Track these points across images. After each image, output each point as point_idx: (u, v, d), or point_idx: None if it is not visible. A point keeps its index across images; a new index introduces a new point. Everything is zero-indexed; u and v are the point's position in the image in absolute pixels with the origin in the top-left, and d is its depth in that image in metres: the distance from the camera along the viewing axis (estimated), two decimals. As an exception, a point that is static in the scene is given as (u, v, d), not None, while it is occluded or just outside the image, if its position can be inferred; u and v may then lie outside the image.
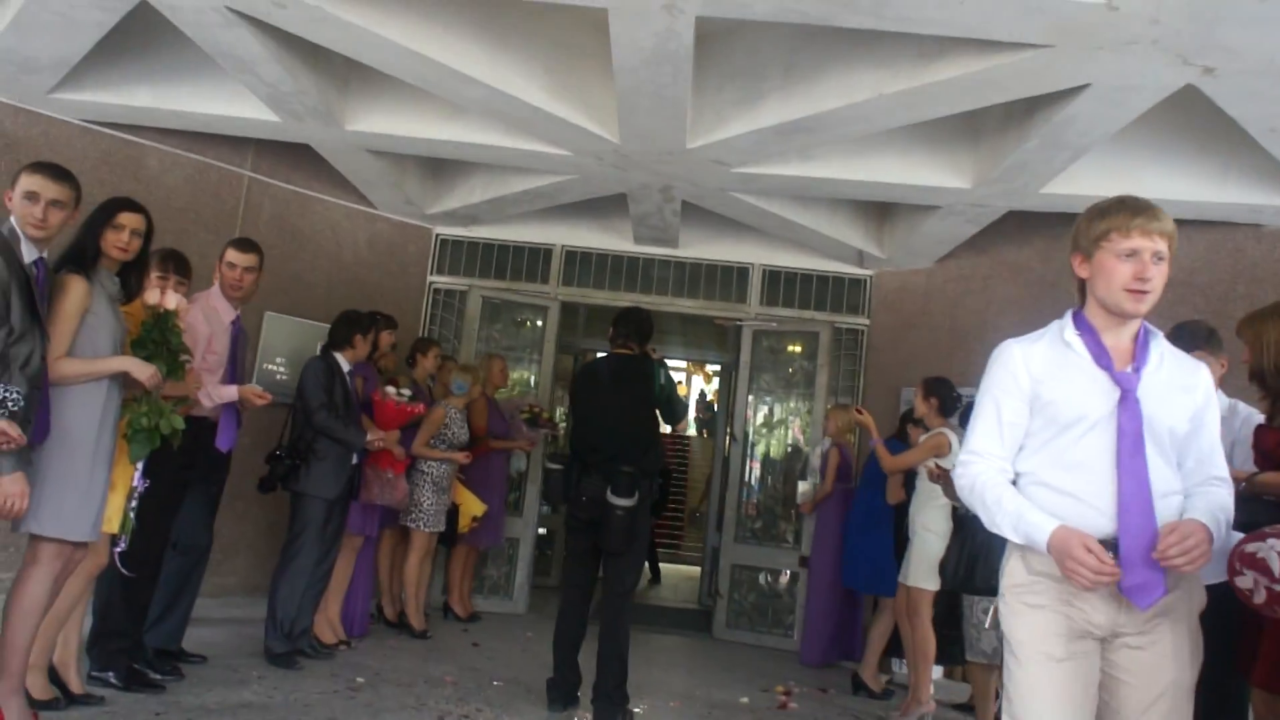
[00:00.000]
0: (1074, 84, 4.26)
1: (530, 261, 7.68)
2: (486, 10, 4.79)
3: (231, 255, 4.43)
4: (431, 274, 7.66)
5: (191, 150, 6.49)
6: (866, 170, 5.63)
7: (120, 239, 3.47)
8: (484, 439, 6.50)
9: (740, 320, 7.55)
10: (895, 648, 5.56)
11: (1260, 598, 2.29)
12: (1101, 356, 2.18)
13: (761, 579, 7.22)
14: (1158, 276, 2.16)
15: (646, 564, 11.15)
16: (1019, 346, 2.30)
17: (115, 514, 3.63)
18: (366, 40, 4.55)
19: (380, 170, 6.48)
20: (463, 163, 6.87)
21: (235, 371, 4.41)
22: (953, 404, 5.08)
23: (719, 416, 10.51)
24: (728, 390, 9.19)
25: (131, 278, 3.61)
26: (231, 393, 4.23)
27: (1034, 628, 2.15)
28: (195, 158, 6.52)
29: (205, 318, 4.28)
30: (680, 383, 19.54)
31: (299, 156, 6.59)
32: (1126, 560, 2.05)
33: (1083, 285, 2.31)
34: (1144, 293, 2.15)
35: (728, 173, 5.71)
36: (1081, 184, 5.46)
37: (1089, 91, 4.26)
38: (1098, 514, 2.11)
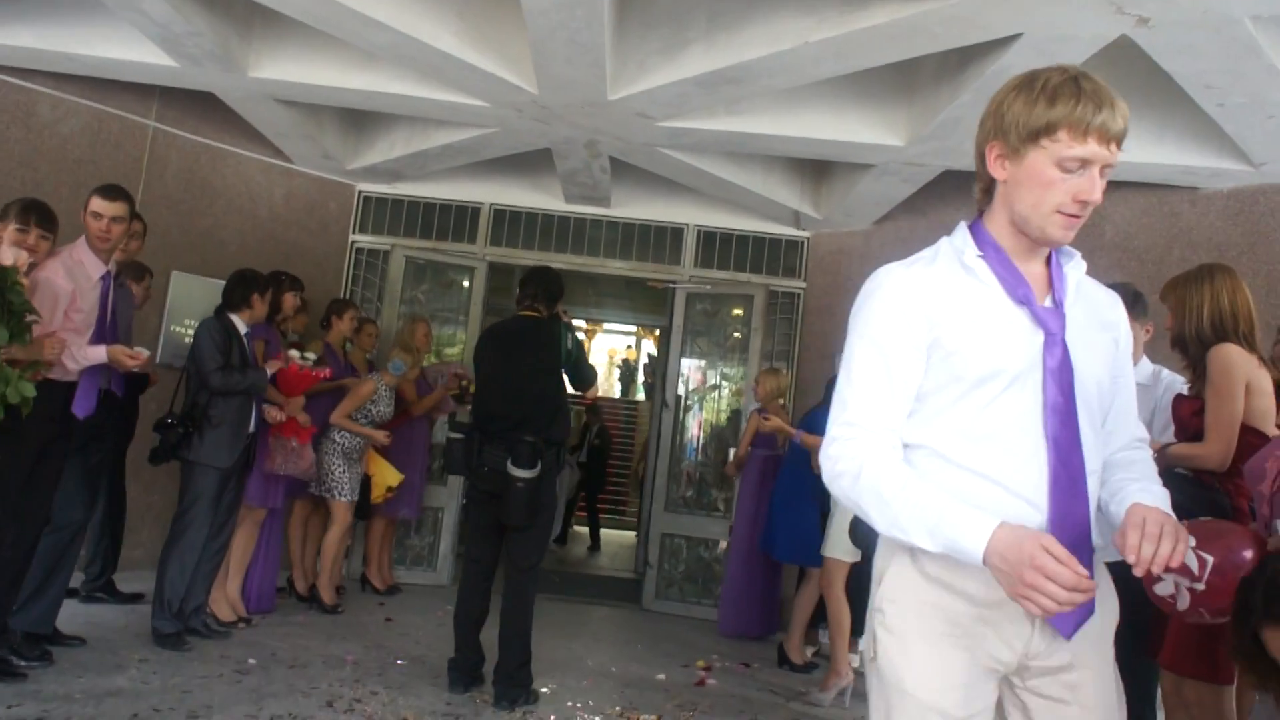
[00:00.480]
0: (1006, 33, 4.05)
1: (457, 220, 7.37)
2: (389, -53, 4.46)
3: (96, 204, 3.97)
4: (354, 232, 7.33)
5: (89, 98, 6.08)
6: (797, 126, 5.39)
7: None
8: (412, 406, 6.24)
9: (674, 282, 7.32)
10: (823, 619, 5.43)
11: (1183, 603, 2.01)
12: (1018, 286, 1.63)
13: (689, 548, 7.05)
14: (1099, 197, 1.60)
15: (588, 531, 11.03)
16: (905, 272, 1.71)
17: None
18: (255, -24, 4.22)
19: (293, 121, 6.12)
20: (383, 115, 6.54)
21: (108, 331, 4.07)
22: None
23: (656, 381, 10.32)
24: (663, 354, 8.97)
25: None
26: (99, 354, 3.87)
27: (926, 673, 1.58)
28: (93, 105, 6.11)
29: (69, 273, 3.88)
30: (631, 349, 19.35)
31: (208, 106, 6.21)
32: None
33: (990, 187, 1.72)
34: (1078, 218, 1.60)
35: (654, 126, 5.44)
36: (1018, 143, 5.28)
37: (1022, 42, 4.06)
38: (1021, 502, 1.56)
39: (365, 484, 5.82)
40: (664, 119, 5.33)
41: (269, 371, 4.73)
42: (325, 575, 5.60)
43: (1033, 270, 1.69)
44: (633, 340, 19.62)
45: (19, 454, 3.64)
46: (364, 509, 5.91)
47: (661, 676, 4.87)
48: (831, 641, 4.78)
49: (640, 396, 17.14)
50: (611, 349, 20.31)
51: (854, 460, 1.59)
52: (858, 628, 4.74)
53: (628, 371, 18.86)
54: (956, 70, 4.66)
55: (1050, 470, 1.56)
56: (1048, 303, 1.66)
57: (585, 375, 4.30)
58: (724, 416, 7.32)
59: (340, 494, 5.51)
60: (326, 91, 5.55)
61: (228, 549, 4.79)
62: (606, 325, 18.38)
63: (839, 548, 4.68)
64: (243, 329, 4.67)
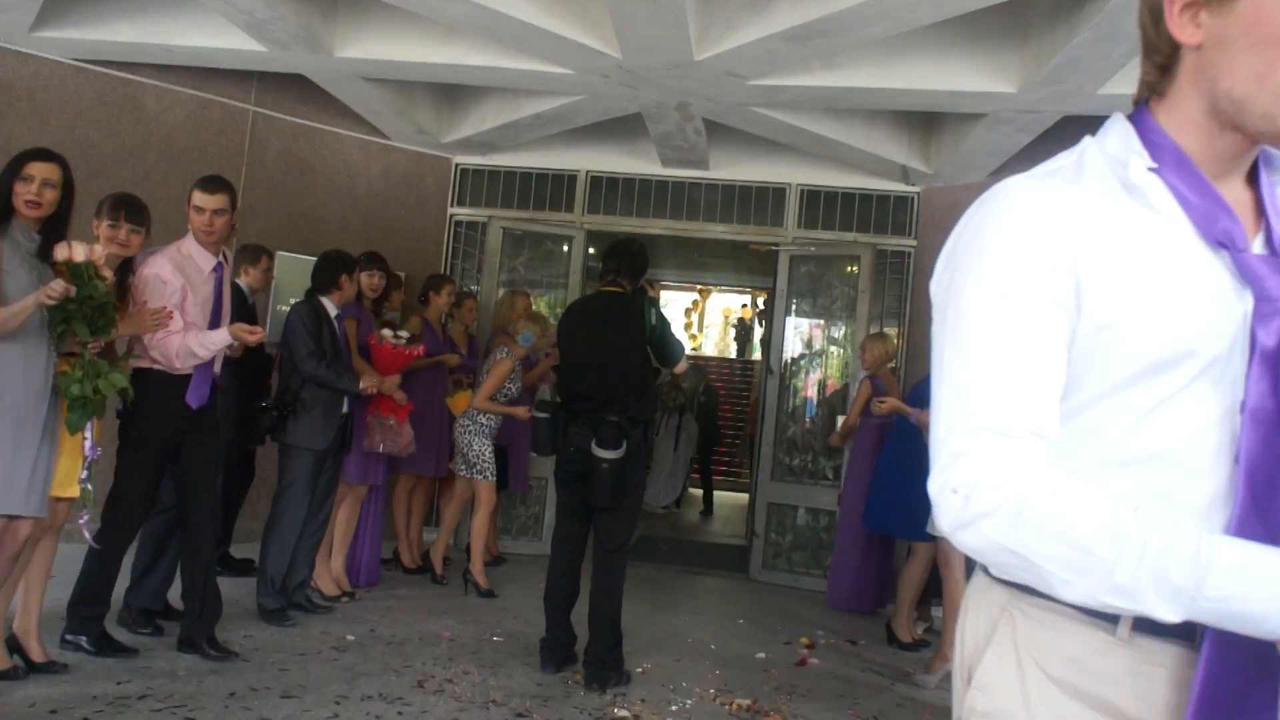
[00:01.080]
0: (1124, -36, 3.66)
1: (554, 189, 7.28)
2: (462, -85, 4.35)
3: (198, 198, 4.02)
4: (452, 206, 7.32)
5: (191, 86, 6.23)
6: (900, 77, 5.06)
7: (29, 191, 3.18)
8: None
9: (777, 245, 7.07)
10: (937, 593, 5.18)
11: None
12: (1216, 217, 1.02)
13: (797, 517, 6.86)
14: None
15: (701, 494, 10.92)
16: (1042, 188, 1.06)
17: (70, 482, 3.47)
18: (328, -45, 4.16)
19: (385, 99, 6.12)
20: (473, 88, 6.49)
21: (224, 321, 4.18)
22: None
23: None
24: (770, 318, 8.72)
25: (53, 234, 3.33)
26: (223, 335, 3.91)
27: None
28: (196, 94, 6.26)
29: (177, 268, 3.95)
30: (746, 308, 19.05)
31: (305, 88, 6.27)
32: None
33: (1170, 60, 1.08)
34: None
35: (745, 85, 5.20)
36: (1145, 82, 4.83)
37: (1143, -27, 3.65)
38: None
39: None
40: (755, 77, 5.09)
41: (366, 387, 4.72)
42: (477, 560, 5.58)
43: (1233, 193, 1.06)
44: (748, 299, 19.32)
45: (141, 452, 3.77)
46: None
47: (762, 655, 4.74)
48: (945, 622, 4.55)
49: (757, 356, 16.88)
50: (726, 308, 20.05)
51: (1002, 490, 0.94)
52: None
53: (743, 331, 18.57)
54: (1074, 5, 4.26)
55: (1236, 514, 0.96)
56: (1259, 246, 1.04)
57: (671, 351, 4.15)
58: (833, 382, 7.06)
59: (488, 473, 5.53)
60: (412, 67, 5.51)
61: (327, 526, 4.86)
62: (718, 287, 18.11)
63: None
64: (333, 311, 4.70)
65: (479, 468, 5.49)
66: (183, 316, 3.87)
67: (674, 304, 19.84)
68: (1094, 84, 4.74)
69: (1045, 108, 5.13)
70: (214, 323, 4.11)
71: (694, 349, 19.93)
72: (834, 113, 5.97)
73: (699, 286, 18.31)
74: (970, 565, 4.39)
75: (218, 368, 4.13)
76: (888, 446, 5.48)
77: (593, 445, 3.90)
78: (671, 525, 9.53)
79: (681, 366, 4.28)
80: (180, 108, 6.22)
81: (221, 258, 4.14)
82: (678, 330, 20.00)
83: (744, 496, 11.92)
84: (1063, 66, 4.53)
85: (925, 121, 6.32)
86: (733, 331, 19.22)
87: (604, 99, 5.71)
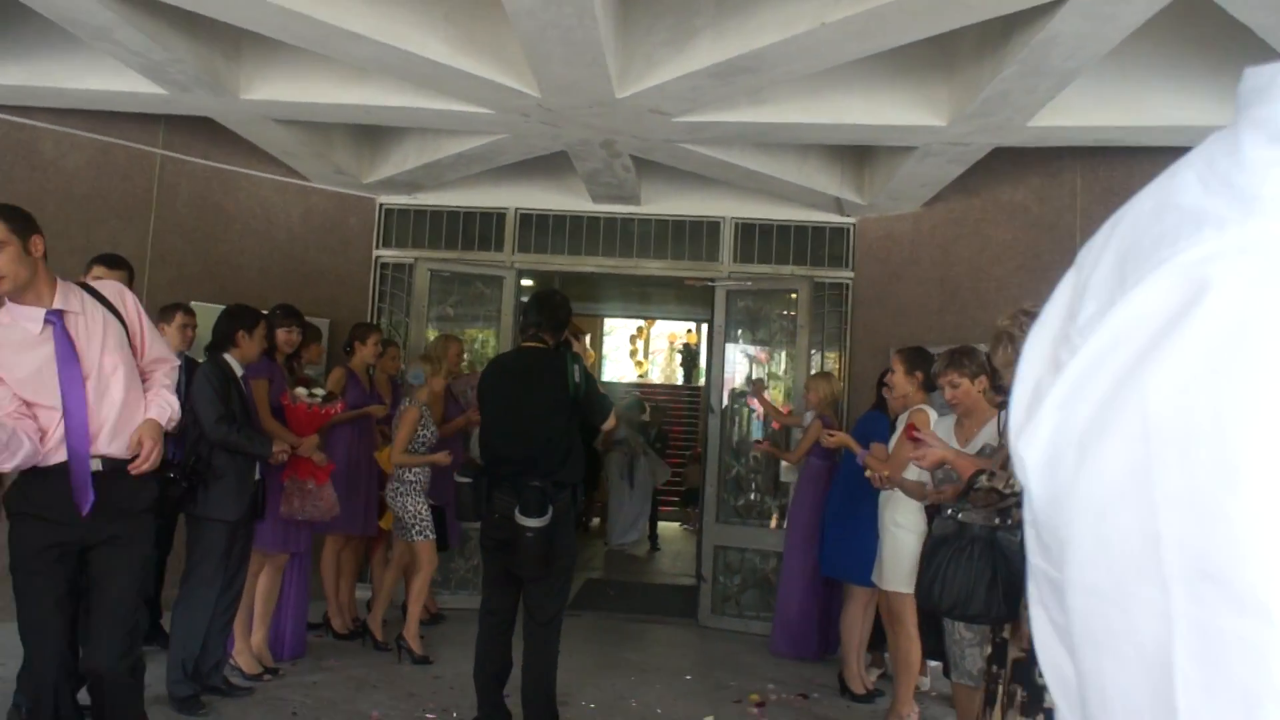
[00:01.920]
0: (1049, -2, 3.55)
1: (483, 228, 7.05)
2: (366, -47, 4.13)
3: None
4: (377, 247, 7.06)
5: (92, 130, 5.91)
6: (828, 111, 4.94)
7: None
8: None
9: (712, 280, 6.91)
10: (881, 638, 5.01)
11: None
12: None
13: (744, 561, 6.68)
14: None
15: (646, 531, 10.71)
16: None
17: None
18: (221, -2, 3.92)
19: (299, 140, 5.86)
20: (393, 127, 6.24)
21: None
22: (930, 381, 4.44)
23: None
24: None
25: None
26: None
27: None
28: (97, 137, 5.94)
29: None
30: (691, 333, 18.93)
31: (216, 130, 5.97)
32: None
33: None
34: None
35: (670, 123, 5.04)
36: (1074, 113, 4.78)
37: (1069, 5, 3.56)
38: None
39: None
40: (680, 114, 4.92)
41: (278, 452, 4.44)
42: (412, 624, 5.29)
43: None
44: (694, 325, 19.22)
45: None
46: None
47: (710, 719, 4.52)
48: (896, 679, 4.36)
49: (703, 382, 16.74)
50: (672, 334, 19.91)
51: None
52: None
53: (689, 357, 18.44)
54: (999, 40, 4.16)
55: None
56: None
57: (598, 409, 3.93)
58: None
59: (426, 533, 5.24)
60: (323, 109, 5.27)
61: (240, 600, 4.55)
62: (657, 319, 17.99)
63: (897, 578, 4.26)
64: (238, 370, 4.41)
65: (416, 528, 5.22)
66: None
67: (618, 332, 19.70)
68: (1023, 116, 4.65)
69: (975, 140, 5.04)
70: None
71: (640, 375, 19.79)
72: (765, 147, 5.83)
73: (644, 323, 18.20)
74: (925, 626, 4.24)
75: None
76: (836, 490, 5.30)
77: (516, 513, 3.67)
78: (619, 565, 9.29)
79: (610, 424, 4.06)
80: (79, 153, 5.90)
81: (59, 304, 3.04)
82: (622, 360, 19.86)
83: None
84: (991, 100, 4.44)
85: (857, 153, 6.22)
86: (679, 358, 19.08)
87: (527, 138, 5.51)
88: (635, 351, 20.10)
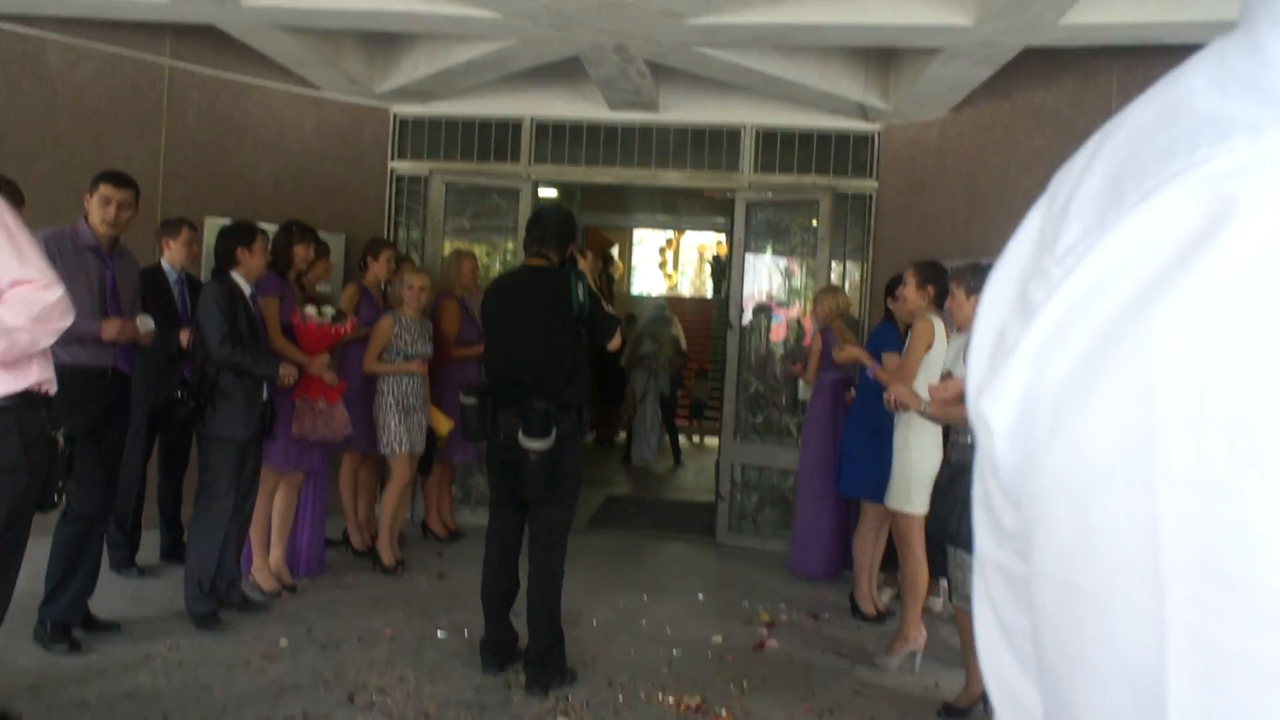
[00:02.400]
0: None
1: (499, 138, 6.88)
2: None
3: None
4: (393, 159, 6.93)
5: (100, 40, 5.77)
6: (848, 12, 4.70)
7: None
8: (450, 345, 5.91)
9: (732, 191, 6.72)
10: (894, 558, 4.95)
11: None
12: None
13: (761, 478, 6.64)
14: None
15: (669, 443, 10.71)
16: None
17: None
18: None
19: (307, 48, 5.70)
20: (403, 34, 6.05)
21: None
22: (943, 296, 4.31)
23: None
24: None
25: None
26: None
27: None
28: (104, 48, 5.82)
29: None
30: (721, 244, 18.66)
31: (224, 40, 5.80)
32: None
33: None
34: None
35: (683, 25, 4.82)
36: (1110, 9, 4.52)
37: (1104, -106, 3.29)
38: None
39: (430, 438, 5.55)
40: (693, 16, 4.71)
41: (284, 375, 4.42)
42: (384, 535, 5.36)
43: None
44: (724, 236, 18.96)
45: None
46: (425, 462, 5.67)
47: (718, 639, 4.53)
48: (905, 602, 4.33)
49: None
50: (701, 245, 19.66)
51: None
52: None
53: (719, 268, 18.22)
54: (1030, -68, 3.89)
55: None
56: None
57: (602, 329, 3.83)
58: (794, 335, 6.77)
59: (396, 447, 5.25)
60: (328, 15, 5.10)
61: (253, 519, 4.60)
62: (686, 230, 17.73)
63: (905, 496, 4.20)
64: (246, 288, 4.37)
65: (384, 441, 5.24)
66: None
67: (647, 243, 19.49)
68: (1054, 13, 4.39)
69: (1004, 40, 4.78)
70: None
71: (670, 288, 19.62)
72: (784, 50, 5.58)
73: (672, 234, 17.98)
74: (932, 546, 4.18)
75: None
76: (855, 405, 5.19)
77: (519, 434, 3.63)
78: (641, 481, 9.32)
79: (615, 343, 3.98)
80: (88, 64, 5.78)
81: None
82: (652, 272, 19.68)
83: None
84: (1021, -3, 4.18)
85: (882, 56, 5.94)
86: (708, 269, 18.87)
87: (537, 43, 5.31)
88: (665, 263, 19.91)
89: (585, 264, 4.00)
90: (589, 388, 3.89)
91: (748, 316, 6.80)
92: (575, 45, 5.30)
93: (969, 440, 3.03)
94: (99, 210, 3.96)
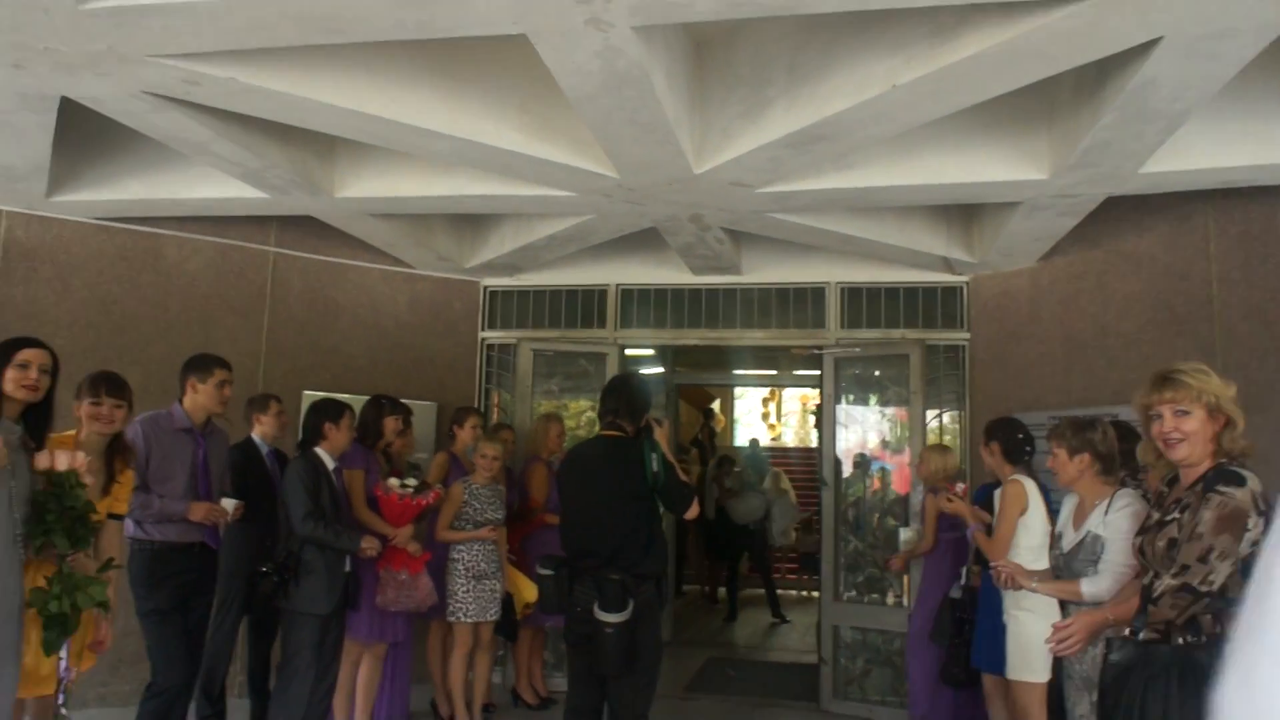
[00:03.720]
0: (1140, 40, 3.27)
1: (585, 305, 7.06)
2: (438, 52, 4.20)
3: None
4: (483, 329, 7.15)
5: (211, 234, 6.23)
6: (919, 172, 4.71)
7: (27, 377, 3.08)
8: (539, 510, 5.91)
9: (820, 348, 6.67)
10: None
11: None
12: None
13: (866, 641, 6.30)
14: None
15: (770, 604, 10.31)
16: None
17: (44, 680, 3.26)
18: (300, 107, 4.05)
19: (399, 231, 6.01)
20: (488, 213, 6.34)
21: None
22: (1019, 446, 4.14)
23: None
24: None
25: (35, 422, 3.22)
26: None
27: None
28: (215, 240, 6.25)
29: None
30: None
31: (324, 226, 6.18)
32: None
33: None
34: None
35: (754, 194, 4.91)
36: (1194, 155, 4.40)
37: (1163, 46, 3.27)
38: None
39: (508, 602, 5.50)
40: (763, 186, 4.79)
41: (366, 549, 4.50)
42: (458, 703, 5.28)
43: None
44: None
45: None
46: (509, 628, 5.59)
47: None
48: None
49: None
50: (804, 395, 19.50)
51: None
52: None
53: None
54: (1095, 86, 3.87)
55: None
56: None
57: (677, 498, 3.77)
58: (890, 493, 6.55)
59: (462, 615, 5.20)
60: (414, 201, 5.38)
61: (335, 690, 4.56)
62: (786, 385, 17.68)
63: (1023, 666, 3.90)
64: (330, 463, 4.47)
65: (449, 607, 5.20)
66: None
67: (749, 396, 19.46)
68: (1133, 163, 4.31)
69: (1083, 191, 4.70)
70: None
71: (774, 439, 19.42)
72: (861, 210, 5.62)
73: (770, 391, 18.03)
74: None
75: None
76: (984, 587, 4.83)
77: (595, 608, 3.54)
78: (734, 640, 8.97)
79: (693, 513, 3.89)
80: (200, 256, 6.21)
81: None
82: (755, 424, 19.57)
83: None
84: (1093, 150, 4.13)
85: (964, 210, 5.92)
86: (812, 420, 18.63)
87: (613, 217, 5.48)
88: (767, 415, 19.78)
89: (661, 433, 3.97)
90: (665, 559, 3.79)
91: (848, 469, 6.63)
92: (650, 217, 5.45)
93: (1128, 633, 2.75)
94: (216, 393, 4.22)
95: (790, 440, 19.54)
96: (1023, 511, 3.96)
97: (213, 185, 5.36)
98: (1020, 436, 4.33)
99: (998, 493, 4.11)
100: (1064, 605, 3.64)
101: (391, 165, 5.21)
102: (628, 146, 4.29)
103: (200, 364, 4.29)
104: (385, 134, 4.35)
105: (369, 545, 4.44)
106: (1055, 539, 3.61)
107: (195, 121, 4.26)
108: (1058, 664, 3.58)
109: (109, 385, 3.73)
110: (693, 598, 11.31)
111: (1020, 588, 3.63)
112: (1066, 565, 3.45)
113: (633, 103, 3.78)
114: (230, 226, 6.23)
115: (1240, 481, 2.44)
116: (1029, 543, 3.90)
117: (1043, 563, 3.78)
